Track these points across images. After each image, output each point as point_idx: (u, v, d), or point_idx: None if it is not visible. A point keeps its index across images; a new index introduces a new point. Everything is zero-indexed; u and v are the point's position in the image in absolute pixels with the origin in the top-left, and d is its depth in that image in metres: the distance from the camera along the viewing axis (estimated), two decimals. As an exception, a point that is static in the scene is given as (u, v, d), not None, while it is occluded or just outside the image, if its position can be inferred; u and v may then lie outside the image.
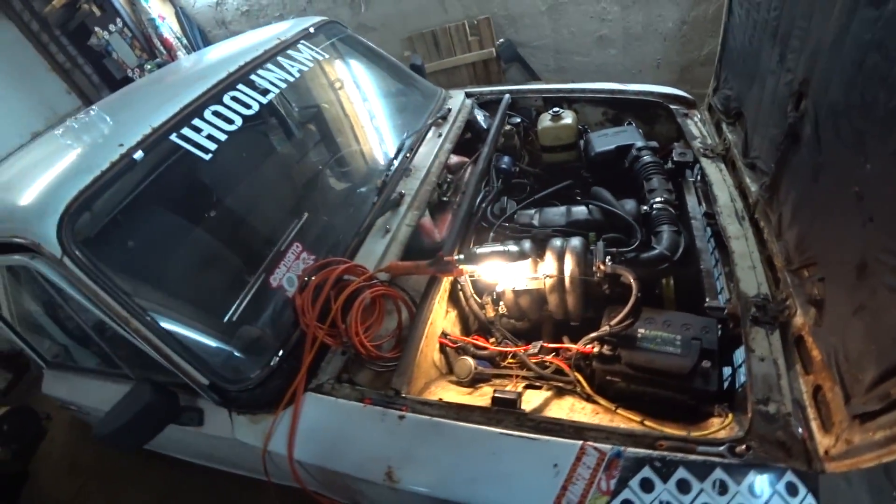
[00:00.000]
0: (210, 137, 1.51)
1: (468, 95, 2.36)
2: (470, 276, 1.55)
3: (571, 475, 0.95)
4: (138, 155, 1.39)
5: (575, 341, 1.36)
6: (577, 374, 1.30)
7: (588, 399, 1.25)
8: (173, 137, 1.46)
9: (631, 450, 0.97)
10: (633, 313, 1.27)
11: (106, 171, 1.31)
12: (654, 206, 1.61)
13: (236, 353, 1.41)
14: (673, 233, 1.51)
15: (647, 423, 1.08)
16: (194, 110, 1.52)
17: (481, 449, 1.05)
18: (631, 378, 1.25)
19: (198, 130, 1.50)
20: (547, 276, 1.43)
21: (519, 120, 2.20)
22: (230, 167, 1.65)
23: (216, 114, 1.56)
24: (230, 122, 1.57)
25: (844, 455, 0.83)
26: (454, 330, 1.66)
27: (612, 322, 1.27)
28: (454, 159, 2.03)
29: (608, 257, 1.40)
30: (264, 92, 1.70)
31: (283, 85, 1.79)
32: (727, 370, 1.30)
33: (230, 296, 1.47)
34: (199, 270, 1.55)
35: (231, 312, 1.45)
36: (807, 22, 1.18)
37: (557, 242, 1.49)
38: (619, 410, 1.16)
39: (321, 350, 1.37)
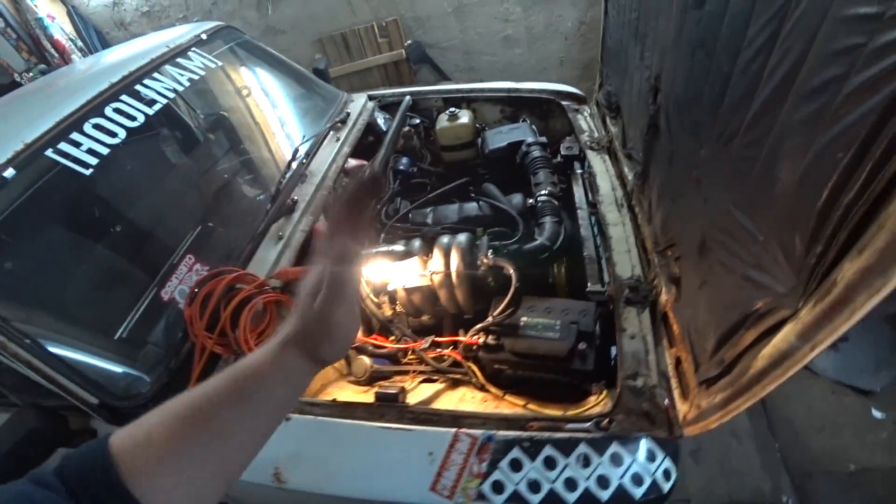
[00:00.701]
0: (90, 151, 1.47)
1: (371, 98, 2.41)
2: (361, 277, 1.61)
3: (446, 461, 1.04)
4: (9, 173, 1.34)
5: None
6: (471, 364, 1.41)
7: (482, 388, 1.35)
8: (49, 153, 1.41)
9: (502, 433, 1.06)
10: (514, 303, 1.39)
11: (-31, 191, 1.26)
12: (539, 198, 1.75)
13: (127, 370, 1.40)
14: (554, 223, 1.65)
15: (529, 406, 1.19)
16: (72, 123, 1.47)
17: (364, 443, 1.12)
18: (516, 364, 1.37)
19: (77, 145, 1.45)
20: (433, 272, 1.52)
21: (418, 121, 2.29)
22: (115, 181, 1.60)
23: (97, 126, 1.52)
24: (113, 135, 1.54)
25: (697, 419, 0.90)
26: (357, 329, 1.72)
27: (495, 313, 1.39)
28: (352, 163, 2.08)
29: (490, 251, 1.52)
30: (150, 103, 1.67)
31: (172, 95, 1.77)
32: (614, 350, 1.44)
33: (120, 312, 1.45)
34: (86, 288, 1.51)
35: (121, 329, 1.44)
36: (655, 22, 1.33)
37: (444, 240, 1.59)
38: (506, 397, 1.26)
39: (213, 360, 1.39)
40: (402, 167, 2.09)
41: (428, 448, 1.07)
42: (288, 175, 1.85)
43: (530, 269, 1.50)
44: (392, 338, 1.68)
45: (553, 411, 1.15)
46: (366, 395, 1.40)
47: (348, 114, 2.20)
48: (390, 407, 1.17)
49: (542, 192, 1.76)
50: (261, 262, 1.59)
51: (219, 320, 1.38)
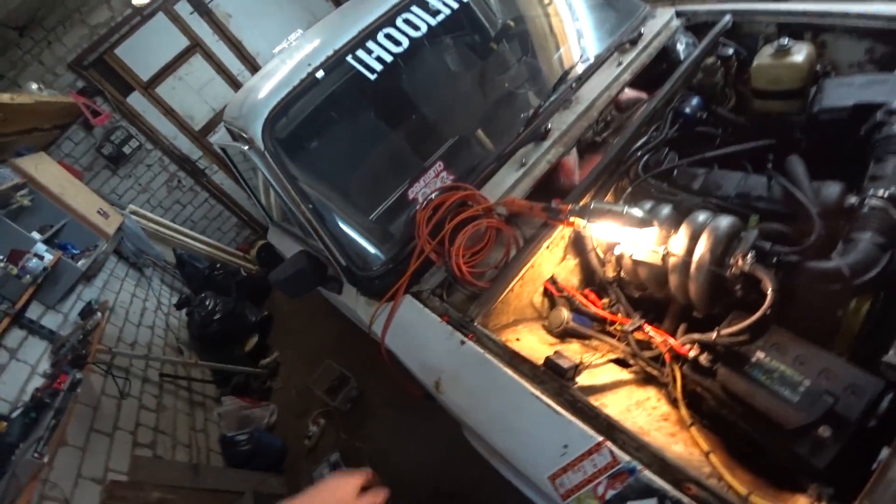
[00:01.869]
0: (378, 59, 1.69)
1: (678, 15, 1.97)
2: (582, 231, 1.46)
3: (576, 464, 0.94)
4: (320, 74, 1.66)
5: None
6: (676, 369, 1.19)
7: (672, 402, 1.15)
8: (349, 59, 1.68)
9: (649, 474, 0.88)
10: (756, 329, 1.06)
11: (296, 87, 1.62)
12: (868, 200, 1.18)
13: (369, 247, 1.68)
14: (874, 245, 1.11)
15: (711, 457, 0.93)
16: (370, 33, 1.70)
17: (512, 399, 1.10)
18: (721, 402, 1.09)
19: (369, 52, 1.69)
20: (669, 253, 1.26)
21: (732, 51, 1.77)
22: (392, 87, 1.81)
23: (387, 36, 1.72)
24: (398, 43, 1.71)
25: None
26: (570, 279, 1.63)
27: (726, 331, 1.09)
28: (629, 94, 1.80)
29: (753, 252, 1.14)
30: (435, 13, 1.76)
31: (456, 5, 1.81)
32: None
33: (377, 199, 1.73)
34: (358, 173, 1.83)
35: (374, 213, 1.72)
36: None
37: (700, 217, 1.27)
38: (692, 429, 1.03)
39: (427, 263, 1.53)
40: (687, 109, 1.70)
41: (566, 440, 0.98)
42: (550, 99, 1.73)
43: (806, 296, 1.09)
44: (605, 300, 1.54)
45: (734, 481, 0.86)
46: (547, 349, 1.35)
47: (641, 33, 1.86)
48: (553, 379, 1.10)
49: (881, 191, 1.18)
50: (496, 185, 1.61)
51: (442, 230, 1.49)
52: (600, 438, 0.94)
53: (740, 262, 1.13)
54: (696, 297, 1.25)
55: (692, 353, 1.12)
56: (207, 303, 3.73)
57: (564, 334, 1.46)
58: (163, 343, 3.55)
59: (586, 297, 1.54)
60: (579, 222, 1.34)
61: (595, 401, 1.06)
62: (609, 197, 1.63)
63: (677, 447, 0.96)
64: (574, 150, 1.69)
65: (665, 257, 1.27)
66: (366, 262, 1.63)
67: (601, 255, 1.55)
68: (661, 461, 0.89)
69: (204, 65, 4.97)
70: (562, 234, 1.51)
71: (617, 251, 1.41)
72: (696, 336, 1.13)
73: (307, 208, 1.59)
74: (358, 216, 1.73)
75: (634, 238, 1.35)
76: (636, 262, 1.38)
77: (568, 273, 1.61)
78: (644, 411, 1.12)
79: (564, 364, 1.11)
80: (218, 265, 4.43)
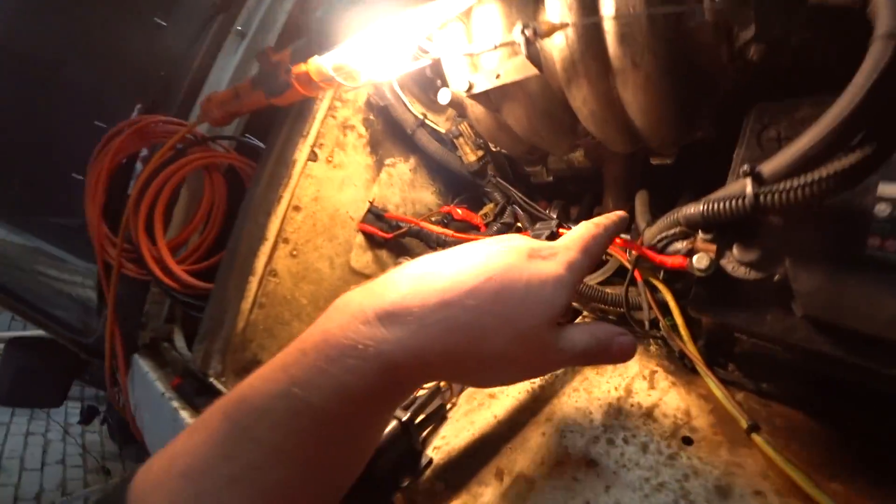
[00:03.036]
0: None
1: None
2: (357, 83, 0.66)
3: None
4: None
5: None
6: (669, 295, 0.45)
7: (681, 361, 0.46)
8: None
9: None
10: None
11: None
12: None
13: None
14: None
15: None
16: None
17: None
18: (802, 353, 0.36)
19: None
20: (539, 35, 0.47)
21: None
22: None
23: None
24: None
25: None
26: (410, 195, 0.85)
27: (780, 160, 0.32)
28: None
29: None
30: None
31: None
32: None
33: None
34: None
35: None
36: None
37: None
38: (753, 435, 0.36)
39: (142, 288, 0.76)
40: None
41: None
42: None
43: None
44: (487, 208, 0.76)
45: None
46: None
47: None
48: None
49: None
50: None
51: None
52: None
53: None
54: (645, 109, 0.47)
55: (697, 264, 0.36)
56: (118, 398, 2.99)
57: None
58: (82, 473, 2.84)
59: (452, 216, 0.77)
60: (335, 67, 0.54)
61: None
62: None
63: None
64: None
65: (531, 47, 0.46)
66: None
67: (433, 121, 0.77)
68: None
69: None
70: (331, 106, 0.71)
71: (444, 97, 0.61)
72: (706, 204, 0.35)
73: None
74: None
75: (458, 55, 0.55)
76: (490, 98, 0.58)
77: (400, 188, 0.83)
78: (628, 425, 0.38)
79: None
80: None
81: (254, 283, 0.62)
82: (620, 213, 0.39)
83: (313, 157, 0.67)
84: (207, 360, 0.60)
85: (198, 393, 0.63)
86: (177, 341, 0.75)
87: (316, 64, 0.53)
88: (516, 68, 0.48)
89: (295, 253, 0.67)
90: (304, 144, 0.65)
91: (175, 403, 0.62)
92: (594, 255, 0.35)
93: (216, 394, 0.60)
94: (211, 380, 0.60)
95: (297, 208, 0.66)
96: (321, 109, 0.67)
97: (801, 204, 0.29)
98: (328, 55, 0.51)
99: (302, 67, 0.55)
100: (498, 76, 0.51)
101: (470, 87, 0.54)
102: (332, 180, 0.70)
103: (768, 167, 0.31)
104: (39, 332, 1.09)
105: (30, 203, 1.16)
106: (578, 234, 0.35)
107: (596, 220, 0.37)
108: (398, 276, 0.30)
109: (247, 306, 0.62)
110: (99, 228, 0.74)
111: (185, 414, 0.61)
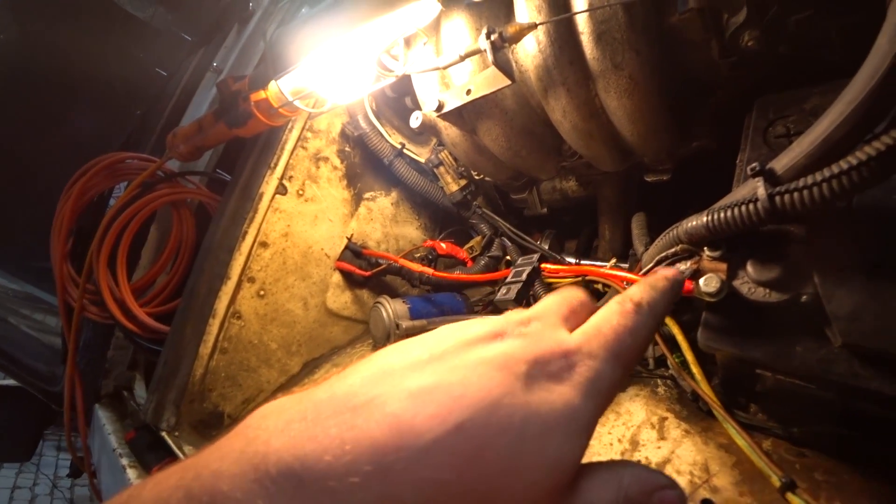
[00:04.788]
0: None
1: None
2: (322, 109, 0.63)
3: None
4: None
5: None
6: (680, 334, 0.39)
7: (696, 404, 0.39)
8: None
9: None
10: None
11: None
12: None
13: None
14: None
15: None
16: None
17: None
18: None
19: None
20: (507, 37, 0.43)
21: None
22: None
23: None
24: None
25: None
26: (391, 229, 0.80)
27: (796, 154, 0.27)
28: None
29: None
30: None
31: None
32: None
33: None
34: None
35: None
36: None
37: None
38: (789, 495, 0.28)
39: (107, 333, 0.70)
40: None
41: None
42: None
43: None
44: (473, 242, 0.71)
45: None
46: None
47: None
48: None
49: None
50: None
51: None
52: None
53: None
54: (633, 117, 0.42)
55: (707, 285, 0.30)
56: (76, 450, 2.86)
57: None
58: (67, 535, 2.69)
59: (436, 250, 0.71)
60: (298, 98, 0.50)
61: None
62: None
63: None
64: None
65: (498, 54, 0.42)
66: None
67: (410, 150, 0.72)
68: None
69: None
70: (301, 137, 0.67)
71: (415, 121, 0.57)
72: (713, 213, 0.30)
73: None
74: None
75: (427, 73, 0.51)
76: (463, 117, 0.54)
77: (381, 223, 0.78)
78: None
79: None
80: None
81: (214, 325, 0.57)
82: (668, 272, 0.24)
83: (282, 189, 0.62)
84: (160, 411, 0.53)
85: (150, 448, 0.56)
86: (137, 390, 0.69)
87: (273, 88, 0.49)
88: (487, 80, 0.44)
89: (262, 293, 0.61)
90: (272, 177, 0.61)
91: (124, 461, 0.55)
92: (628, 361, 0.21)
93: (167, 450, 0.53)
94: (163, 434, 0.53)
95: (264, 244, 0.61)
96: (290, 140, 0.63)
97: (826, 203, 0.23)
98: (284, 78, 0.48)
99: (262, 94, 0.51)
100: (469, 91, 0.46)
101: (440, 106, 0.50)
102: (304, 215, 0.66)
103: (781, 163, 0.26)
104: (9, 381, 1.02)
105: (9, 246, 1.12)
106: (606, 320, 0.22)
107: (631, 291, 0.24)
108: (332, 396, 0.18)
109: (206, 351, 0.56)
110: (61, 268, 0.70)
111: (131, 473, 0.53)
